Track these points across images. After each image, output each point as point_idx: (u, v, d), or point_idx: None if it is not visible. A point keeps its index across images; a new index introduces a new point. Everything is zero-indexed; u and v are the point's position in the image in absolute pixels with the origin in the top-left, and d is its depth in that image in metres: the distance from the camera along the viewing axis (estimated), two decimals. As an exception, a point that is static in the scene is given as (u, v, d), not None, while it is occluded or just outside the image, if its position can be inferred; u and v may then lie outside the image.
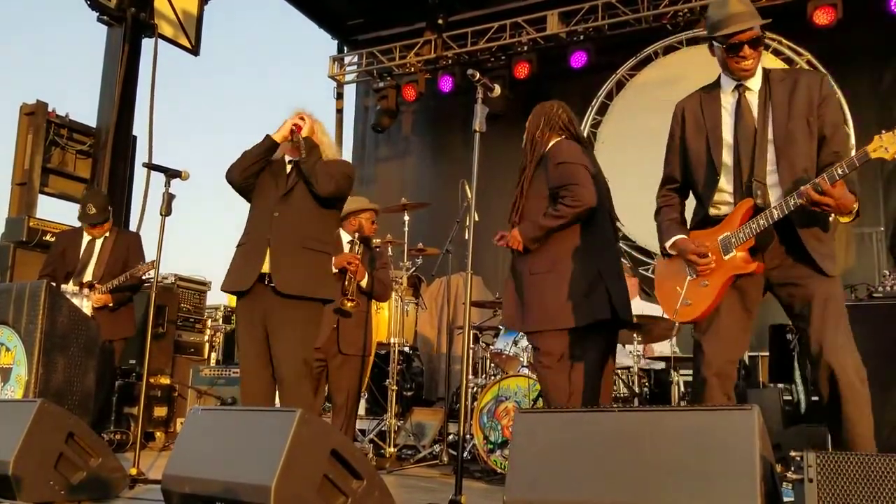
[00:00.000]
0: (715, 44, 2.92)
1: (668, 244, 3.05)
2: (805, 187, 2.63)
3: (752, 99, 2.92)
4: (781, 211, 2.73)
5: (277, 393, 3.81)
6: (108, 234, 5.65)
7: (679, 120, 3.11)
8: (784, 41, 7.98)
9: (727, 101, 2.97)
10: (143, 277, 5.61)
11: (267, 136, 3.80)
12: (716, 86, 3.03)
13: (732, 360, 2.93)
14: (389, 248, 6.13)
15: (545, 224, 3.52)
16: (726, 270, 2.84)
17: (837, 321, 2.72)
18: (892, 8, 7.02)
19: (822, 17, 7.36)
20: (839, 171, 2.57)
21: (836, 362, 2.65)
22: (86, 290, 5.27)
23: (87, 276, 5.47)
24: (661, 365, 5.43)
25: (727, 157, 2.92)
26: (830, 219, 2.77)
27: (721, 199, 2.94)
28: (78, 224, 5.75)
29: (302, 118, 3.80)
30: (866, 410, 2.66)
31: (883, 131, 2.55)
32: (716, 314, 2.88)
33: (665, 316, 5.55)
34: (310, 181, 3.72)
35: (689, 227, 3.07)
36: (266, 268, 3.66)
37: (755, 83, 2.93)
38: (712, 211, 2.95)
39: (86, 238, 5.63)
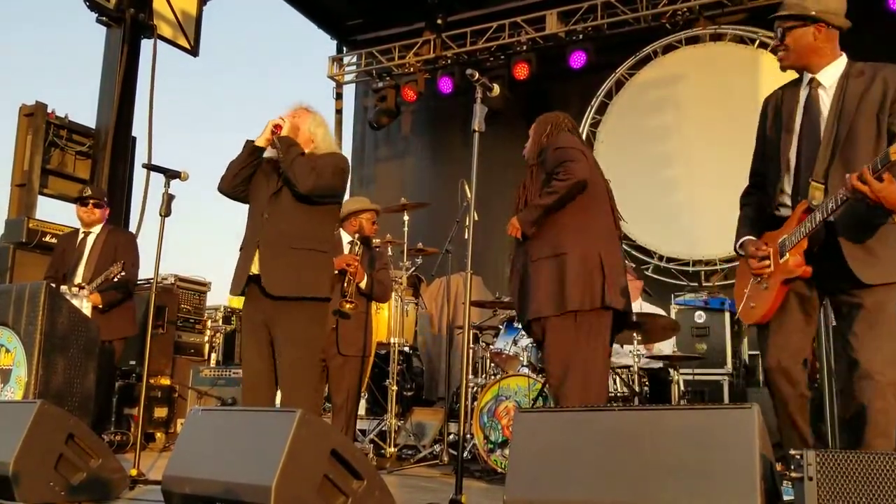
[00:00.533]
0: None
1: (737, 245, 3.05)
2: (849, 175, 2.55)
3: (824, 94, 2.85)
4: (823, 212, 2.68)
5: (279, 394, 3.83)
6: (99, 231, 5.61)
7: (763, 113, 3.08)
8: (783, 40, 7.97)
9: (802, 95, 2.91)
10: (135, 279, 5.58)
11: (247, 141, 3.77)
12: (801, 79, 2.97)
13: (797, 361, 2.87)
14: (389, 249, 6.13)
15: (540, 203, 3.55)
16: (781, 274, 2.82)
17: (880, 332, 2.66)
18: (892, 6, 7.04)
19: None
20: (869, 165, 2.50)
21: (875, 373, 2.62)
22: (84, 291, 5.25)
23: (78, 277, 5.43)
24: (661, 364, 5.43)
25: (792, 156, 2.88)
26: (888, 223, 2.67)
27: (782, 201, 2.91)
28: (76, 225, 5.75)
29: (282, 118, 3.77)
30: (893, 421, 2.64)
31: None
32: (776, 316, 2.86)
33: (662, 314, 5.58)
34: (289, 179, 3.68)
35: (761, 227, 3.01)
36: (256, 269, 3.67)
37: (828, 77, 2.85)
38: (777, 212, 2.93)
39: (80, 237, 5.62)
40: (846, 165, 2.70)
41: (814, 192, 2.76)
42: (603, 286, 3.49)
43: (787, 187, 2.89)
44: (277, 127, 3.74)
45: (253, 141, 3.77)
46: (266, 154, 3.83)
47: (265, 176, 3.82)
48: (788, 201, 2.88)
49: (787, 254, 2.79)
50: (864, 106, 2.74)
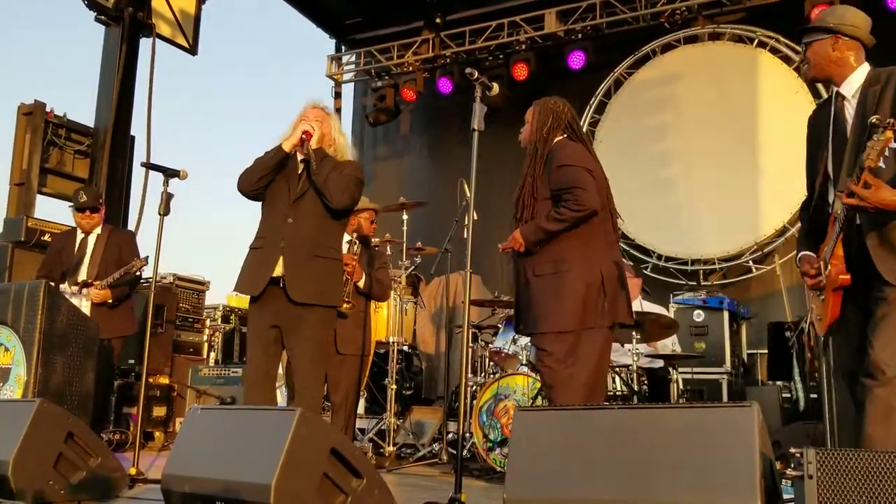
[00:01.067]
0: None
1: (797, 259, 3.13)
2: (838, 193, 2.65)
3: (849, 106, 2.92)
4: (841, 219, 2.74)
5: (288, 393, 3.84)
6: (100, 231, 5.64)
7: (807, 131, 3.16)
8: (781, 39, 7.99)
9: (832, 110, 3.00)
10: (140, 274, 5.60)
11: (279, 146, 3.73)
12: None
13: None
14: (388, 248, 6.13)
15: (548, 228, 3.48)
16: (829, 284, 2.87)
17: (894, 323, 2.68)
18: (891, 5, 7.03)
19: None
20: (853, 177, 2.59)
21: (883, 364, 2.63)
22: (84, 290, 5.26)
23: (82, 275, 5.46)
24: (660, 363, 5.44)
25: (830, 169, 2.96)
26: None
27: (828, 211, 2.97)
28: (73, 224, 5.75)
29: (312, 125, 3.73)
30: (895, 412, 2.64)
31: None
32: (840, 324, 2.90)
33: (663, 313, 5.58)
34: (323, 194, 3.69)
35: (817, 240, 3.06)
36: (279, 271, 3.66)
37: (850, 88, 2.93)
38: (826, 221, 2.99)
39: (79, 236, 5.64)
40: None
41: (838, 203, 2.81)
42: (604, 304, 3.46)
43: (830, 198, 2.96)
44: (307, 134, 3.71)
45: (282, 146, 3.72)
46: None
47: (284, 177, 3.79)
48: (829, 210, 2.96)
49: (829, 265, 2.85)
50: (881, 112, 2.76)
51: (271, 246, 3.71)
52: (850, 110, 2.91)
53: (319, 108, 3.89)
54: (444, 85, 9.44)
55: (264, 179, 3.75)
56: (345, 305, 4.64)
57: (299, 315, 3.65)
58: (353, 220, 5.08)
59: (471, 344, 5.78)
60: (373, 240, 5.38)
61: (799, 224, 7.68)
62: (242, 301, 3.88)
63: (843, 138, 2.88)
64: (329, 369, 4.85)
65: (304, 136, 3.71)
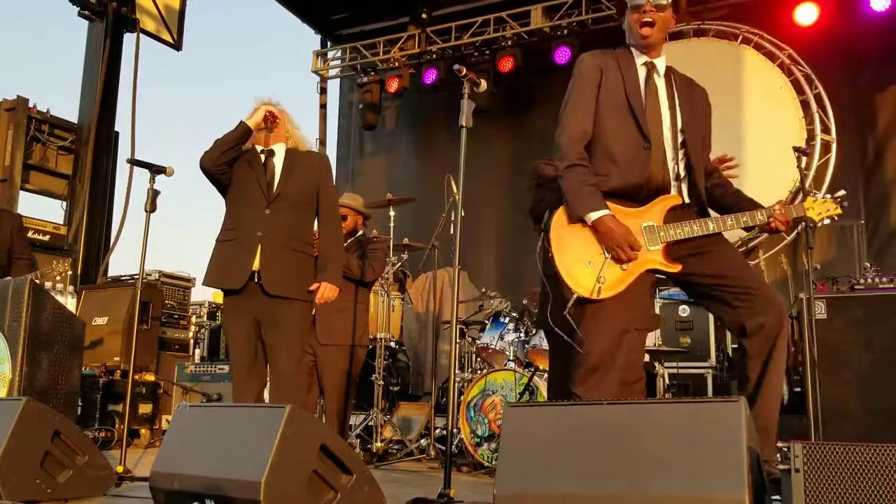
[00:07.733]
0: None
1: None
2: None
3: None
4: None
5: (268, 388, 3.82)
6: None
7: None
8: (766, 35, 8.03)
9: None
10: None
11: (241, 121, 3.74)
12: None
13: None
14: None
15: None
16: None
17: None
18: (872, 8, 7.08)
19: (804, 19, 7.49)
20: None
21: None
22: None
23: None
24: (645, 357, 5.46)
25: None
26: None
27: None
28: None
29: (273, 110, 3.78)
30: None
31: None
32: None
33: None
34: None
35: None
36: (256, 265, 3.64)
37: None
38: None
39: None
40: None
41: None
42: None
43: None
44: (271, 114, 3.74)
45: (245, 122, 3.73)
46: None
47: (251, 168, 3.78)
48: None
49: None
50: None
51: (247, 237, 3.68)
52: None
53: (272, 103, 3.87)
54: (430, 75, 9.47)
55: (227, 155, 3.73)
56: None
57: (278, 309, 3.64)
58: None
59: (458, 340, 5.78)
60: (360, 233, 5.34)
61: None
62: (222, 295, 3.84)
63: None
64: (317, 361, 4.81)
65: (267, 115, 3.74)
